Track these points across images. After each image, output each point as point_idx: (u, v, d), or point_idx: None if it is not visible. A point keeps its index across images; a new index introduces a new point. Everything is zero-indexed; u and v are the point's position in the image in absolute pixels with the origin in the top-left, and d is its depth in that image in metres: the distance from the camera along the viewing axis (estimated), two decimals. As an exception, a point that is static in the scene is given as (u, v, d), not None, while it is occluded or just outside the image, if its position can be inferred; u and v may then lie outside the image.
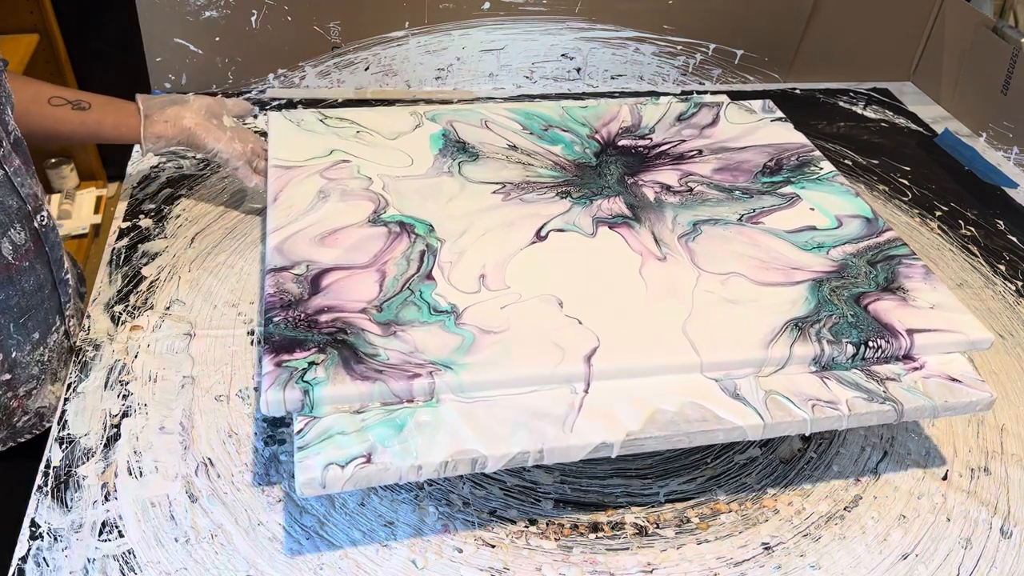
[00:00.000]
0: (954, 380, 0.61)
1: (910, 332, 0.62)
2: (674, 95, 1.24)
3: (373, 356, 0.56)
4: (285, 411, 0.53)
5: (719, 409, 0.57)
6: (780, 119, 0.90)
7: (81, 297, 0.81)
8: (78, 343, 0.73)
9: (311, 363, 0.55)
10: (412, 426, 0.54)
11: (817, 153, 0.84)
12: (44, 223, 0.67)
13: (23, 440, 0.72)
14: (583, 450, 0.54)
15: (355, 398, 0.54)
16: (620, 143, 0.85)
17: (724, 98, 0.93)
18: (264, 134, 1.06)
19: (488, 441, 0.53)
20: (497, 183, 0.76)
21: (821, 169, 0.82)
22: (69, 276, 0.72)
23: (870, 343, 0.61)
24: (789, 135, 0.88)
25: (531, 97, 1.20)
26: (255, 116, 1.08)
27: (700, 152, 0.84)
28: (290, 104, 1.13)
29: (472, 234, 0.69)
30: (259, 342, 0.73)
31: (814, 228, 0.73)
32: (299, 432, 0.53)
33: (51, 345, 0.70)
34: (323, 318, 0.59)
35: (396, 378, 0.55)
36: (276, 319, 0.58)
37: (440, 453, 0.52)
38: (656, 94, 1.24)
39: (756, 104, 0.93)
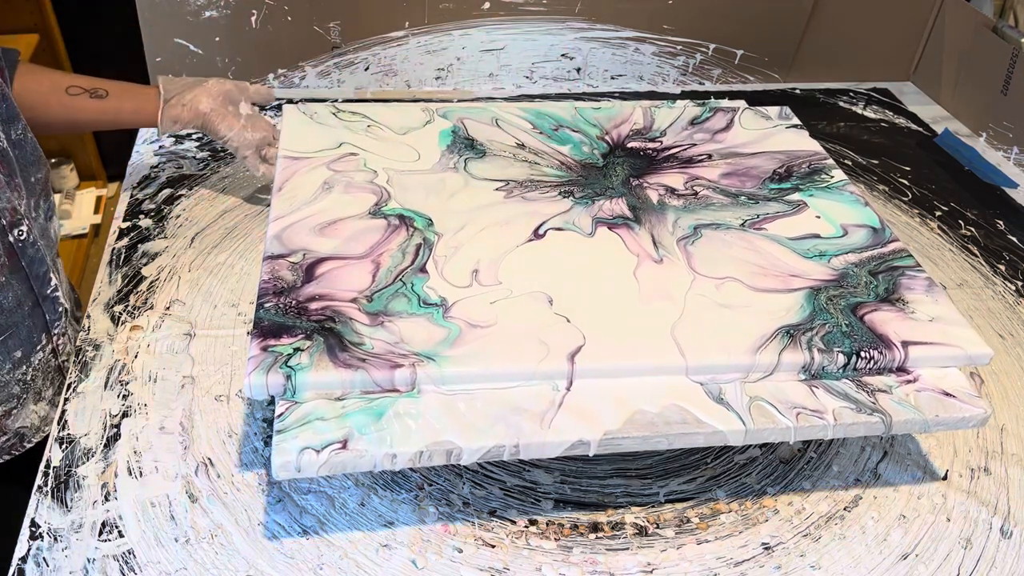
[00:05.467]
0: (948, 395, 0.60)
1: (905, 344, 0.61)
2: (675, 95, 1.24)
3: (358, 345, 0.56)
4: (267, 395, 0.54)
5: (701, 413, 0.57)
6: (796, 126, 0.90)
7: (76, 315, 0.80)
8: (78, 343, 0.73)
9: (296, 349, 0.55)
10: (391, 415, 0.54)
11: (830, 161, 0.84)
12: (22, 238, 0.66)
13: (1, 462, 0.71)
14: (559, 447, 0.54)
15: (337, 385, 0.55)
16: (629, 145, 0.85)
17: (741, 103, 0.93)
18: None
19: (465, 433, 0.54)
20: (501, 180, 0.76)
21: (832, 177, 0.81)
22: (59, 294, 0.71)
23: (862, 354, 0.60)
24: (803, 142, 0.87)
25: (531, 97, 1.20)
26: (275, 104, 1.06)
27: (709, 156, 0.83)
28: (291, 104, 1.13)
29: (470, 230, 0.69)
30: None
31: (817, 236, 0.72)
32: (279, 416, 0.53)
33: (35, 364, 0.69)
34: (313, 306, 0.59)
35: (378, 367, 0.55)
36: (267, 305, 0.59)
37: (416, 443, 0.53)
38: (656, 95, 1.24)
39: (773, 110, 0.92)
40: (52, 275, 0.70)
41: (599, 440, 0.55)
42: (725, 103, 0.93)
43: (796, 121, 0.91)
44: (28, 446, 0.72)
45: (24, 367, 0.68)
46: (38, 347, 0.69)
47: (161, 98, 0.83)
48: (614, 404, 0.56)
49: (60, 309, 0.71)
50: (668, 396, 0.57)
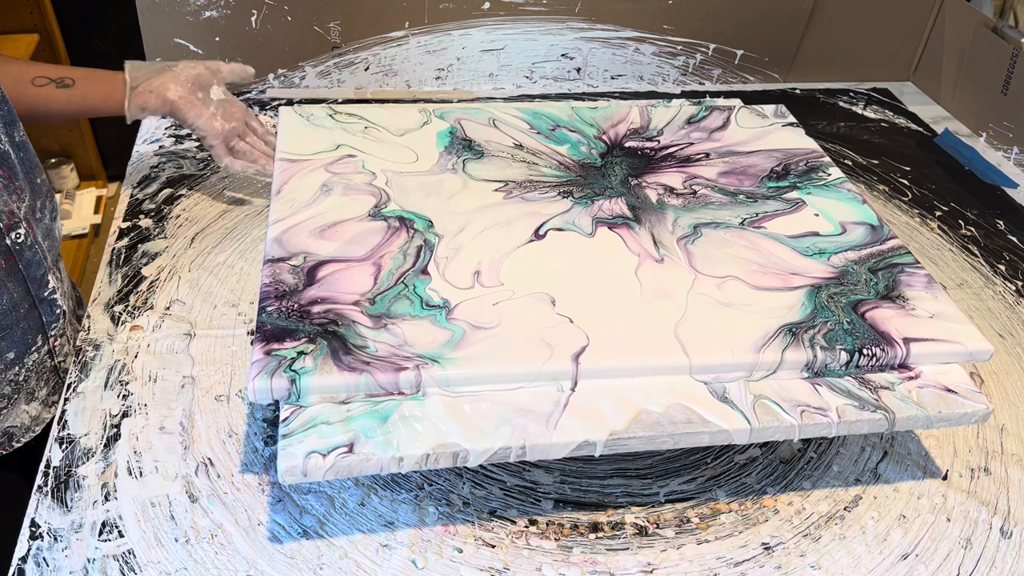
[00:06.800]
0: (949, 391, 0.60)
1: (907, 341, 0.61)
2: (675, 95, 1.24)
3: (362, 348, 0.56)
4: (272, 399, 0.54)
5: (706, 412, 0.57)
6: (792, 124, 0.90)
7: (77, 315, 0.80)
8: (78, 343, 0.73)
9: (300, 353, 0.55)
10: (396, 418, 0.54)
11: (827, 159, 0.84)
12: (19, 240, 0.65)
13: None
14: (565, 447, 0.54)
15: (341, 389, 0.55)
16: (627, 144, 0.85)
17: (737, 102, 0.93)
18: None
19: (471, 435, 0.54)
20: (500, 181, 0.76)
21: (829, 175, 0.81)
22: (57, 296, 0.70)
23: (864, 351, 0.60)
24: (799, 140, 0.87)
25: (531, 97, 1.20)
26: (274, 105, 1.05)
27: (707, 155, 0.83)
28: (290, 104, 1.13)
29: (471, 231, 0.69)
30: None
31: (817, 234, 0.73)
32: (284, 420, 0.53)
33: (29, 365, 0.69)
34: (316, 309, 0.59)
35: (383, 370, 0.55)
36: (269, 308, 0.59)
37: (422, 446, 0.53)
38: (656, 95, 1.24)
39: (768, 109, 0.92)
40: (50, 277, 0.70)
41: (605, 440, 0.55)
42: (721, 102, 0.93)
43: (792, 119, 0.91)
44: (16, 445, 0.72)
45: (16, 368, 0.68)
46: (32, 349, 0.69)
47: (127, 85, 0.81)
48: (618, 404, 0.56)
49: (58, 311, 0.71)
50: (672, 396, 0.58)
